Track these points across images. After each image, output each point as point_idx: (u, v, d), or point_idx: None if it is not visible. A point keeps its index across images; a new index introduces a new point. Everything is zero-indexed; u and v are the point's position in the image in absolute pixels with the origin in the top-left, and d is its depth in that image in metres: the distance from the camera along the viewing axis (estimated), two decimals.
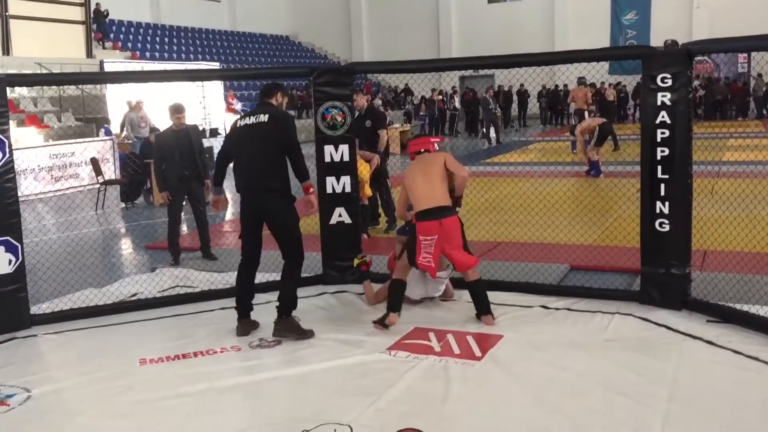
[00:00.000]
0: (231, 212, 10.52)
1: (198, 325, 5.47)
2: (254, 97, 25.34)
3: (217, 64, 24.53)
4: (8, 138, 5.47)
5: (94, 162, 12.48)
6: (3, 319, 5.40)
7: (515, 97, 29.18)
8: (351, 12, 38.65)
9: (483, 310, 5.27)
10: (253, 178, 5.11)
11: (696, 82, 25.36)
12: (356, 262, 6.12)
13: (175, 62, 23.64)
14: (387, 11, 37.20)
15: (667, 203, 5.32)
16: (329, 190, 6.33)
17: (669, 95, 5.25)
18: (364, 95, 9.30)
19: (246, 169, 5.15)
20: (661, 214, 5.35)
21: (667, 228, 5.34)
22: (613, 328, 5.06)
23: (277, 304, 5.13)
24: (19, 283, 5.51)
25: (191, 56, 27.30)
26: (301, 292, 5.94)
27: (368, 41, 38.12)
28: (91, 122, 18.38)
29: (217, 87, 19.68)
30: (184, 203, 7.79)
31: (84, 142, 15.16)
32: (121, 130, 15.24)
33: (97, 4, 24.83)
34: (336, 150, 6.32)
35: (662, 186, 5.32)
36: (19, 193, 5.86)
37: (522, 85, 27.07)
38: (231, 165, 5.36)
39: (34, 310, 5.73)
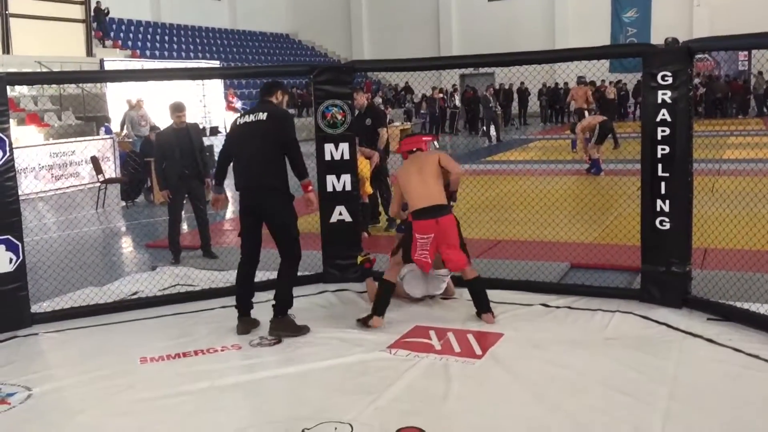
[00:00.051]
0: (231, 211, 10.53)
1: (198, 324, 5.47)
2: (254, 95, 25.35)
3: (218, 62, 24.54)
4: (8, 137, 5.47)
5: (95, 160, 12.47)
6: (4, 317, 5.40)
7: (515, 96, 29.17)
8: (351, 11, 38.65)
9: (483, 308, 5.27)
10: (251, 177, 5.11)
11: (696, 80, 25.32)
12: (360, 259, 6.15)
13: (176, 61, 23.65)
14: (387, 10, 37.18)
15: (667, 201, 5.32)
16: (329, 189, 6.33)
17: (669, 93, 5.24)
18: (364, 94, 9.30)
19: (245, 167, 5.15)
20: (662, 212, 5.35)
21: (667, 226, 5.34)
22: (614, 326, 5.06)
23: (273, 302, 5.14)
24: (20, 281, 5.51)
25: (191, 54, 27.30)
26: (301, 290, 5.97)
27: (368, 40, 38.12)
28: (92, 121, 18.39)
29: (217, 85, 19.70)
30: (184, 202, 7.79)
31: (84, 140, 15.15)
32: (122, 129, 15.25)
33: (98, 2, 24.84)
34: (336, 148, 6.32)
35: (663, 184, 5.32)
36: (20, 192, 5.86)
37: (522, 83, 27.04)
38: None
39: (35, 308, 5.74)
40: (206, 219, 7.78)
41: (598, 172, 12.62)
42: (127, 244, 9.36)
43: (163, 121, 9.62)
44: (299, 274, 5.64)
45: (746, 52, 27.76)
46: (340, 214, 6.34)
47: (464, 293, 5.58)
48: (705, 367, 4.31)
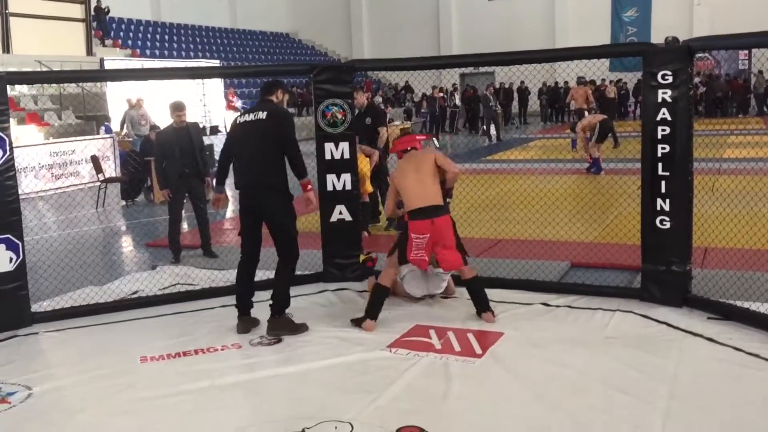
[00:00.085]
0: (231, 210, 10.53)
1: (199, 323, 5.47)
2: (254, 94, 25.35)
3: (218, 61, 24.53)
4: (9, 136, 5.46)
5: (95, 160, 12.47)
6: (4, 316, 5.40)
7: (516, 95, 29.17)
8: (351, 10, 38.65)
9: (482, 307, 5.27)
10: (251, 176, 5.11)
11: (697, 79, 25.30)
12: (362, 258, 6.16)
13: (176, 60, 23.65)
14: (387, 10, 37.18)
15: (667, 200, 5.32)
16: (330, 188, 6.33)
17: (670, 92, 5.24)
18: (364, 93, 9.30)
19: (245, 166, 5.15)
20: (662, 211, 5.35)
21: (667, 225, 5.34)
22: (614, 326, 5.06)
23: (270, 302, 5.13)
24: (20, 280, 5.51)
25: (191, 54, 27.30)
26: (301, 289, 5.98)
27: (369, 40, 38.12)
28: (92, 120, 18.39)
29: (217, 85, 19.70)
30: (184, 201, 7.79)
31: (84, 140, 15.15)
32: (122, 128, 15.24)
33: (98, 1, 24.83)
34: (336, 147, 6.31)
35: (663, 183, 5.32)
36: (20, 191, 5.86)
37: (522, 82, 27.04)
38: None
39: (35, 307, 5.73)
40: (206, 218, 7.78)
41: (598, 171, 12.62)
42: (127, 244, 9.36)
43: (163, 120, 9.62)
44: (299, 273, 5.65)
45: (746, 51, 27.74)
46: (341, 213, 6.34)
47: (464, 292, 5.57)
48: (705, 366, 4.30)
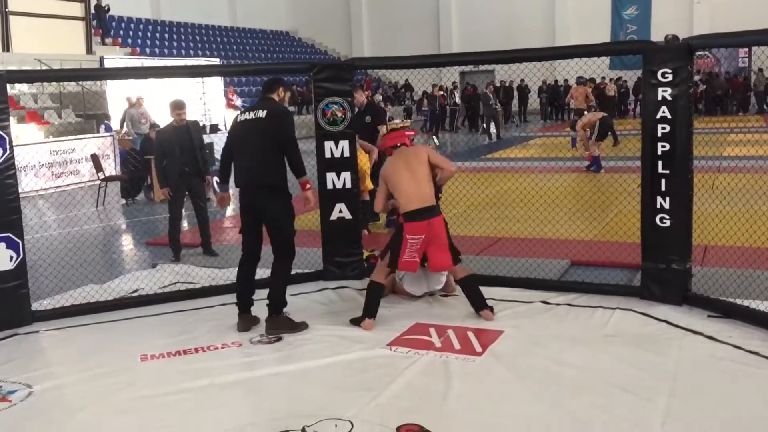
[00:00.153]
0: (231, 208, 10.51)
1: (199, 321, 5.47)
2: (254, 93, 25.36)
3: (217, 60, 24.48)
4: (9, 134, 5.47)
5: (95, 158, 12.48)
6: (4, 315, 5.40)
7: (516, 93, 29.16)
8: (351, 9, 38.64)
9: (479, 305, 5.26)
10: (250, 175, 5.11)
11: (697, 77, 25.28)
12: (366, 254, 6.16)
13: (176, 58, 23.61)
14: (387, 10, 37.16)
15: (667, 198, 5.32)
16: (329, 186, 6.33)
17: (670, 90, 5.24)
18: (363, 92, 9.30)
19: (244, 165, 5.15)
20: (662, 210, 5.35)
21: (667, 223, 5.34)
22: (614, 324, 5.06)
23: (267, 302, 5.13)
24: (21, 279, 5.51)
25: (191, 52, 27.28)
26: (301, 287, 5.99)
27: (368, 38, 38.11)
28: (92, 118, 18.37)
29: (217, 83, 19.64)
30: (184, 199, 7.79)
31: (84, 138, 15.14)
32: (122, 127, 15.23)
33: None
34: (336, 146, 6.31)
35: (663, 181, 5.32)
36: (20, 190, 5.86)
37: (522, 80, 27.03)
38: None
39: (36, 306, 5.74)
40: (206, 216, 7.78)
41: (598, 170, 12.62)
42: (127, 242, 9.36)
43: (163, 118, 9.61)
44: (299, 271, 5.65)
45: (746, 49, 27.73)
46: (340, 211, 6.34)
47: None
48: (705, 364, 4.30)
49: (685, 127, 5.26)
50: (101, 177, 11.97)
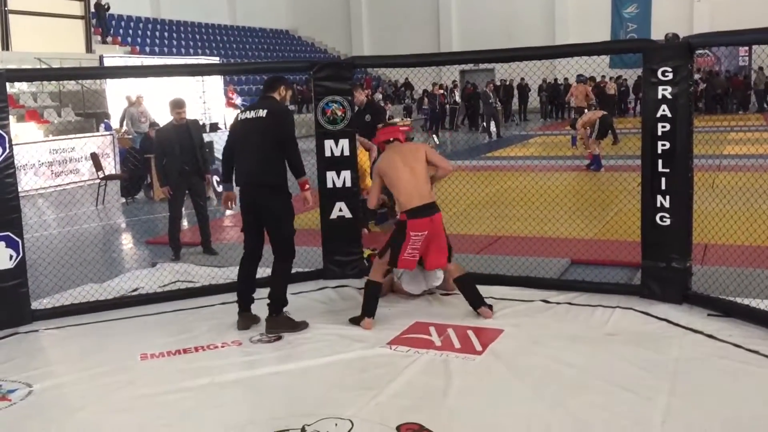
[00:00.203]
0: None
1: (199, 320, 5.47)
2: (254, 91, 25.36)
3: (217, 58, 24.47)
4: (8, 133, 5.46)
5: (94, 157, 12.47)
6: (4, 314, 5.40)
7: (516, 91, 29.14)
8: (351, 8, 38.62)
9: (477, 303, 5.25)
10: (250, 174, 5.11)
11: (697, 76, 25.28)
12: (367, 252, 6.15)
13: (175, 57, 23.59)
14: (387, 8, 37.14)
15: (667, 197, 5.31)
16: (329, 185, 6.33)
17: (670, 89, 5.23)
18: (363, 91, 9.29)
19: (244, 164, 5.15)
20: (662, 208, 5.34)
21: (667, 222, 5.34)
22: (614, 322, 5.05)
23: (268, 301, 5.13)
24: (20, 278, 5.50)
25: (191, 51, 27.27)
26: (301, 286, 5.98)
27: (368, 37, 38.08)
28: (91, 117, 18.36)
29: (217, 82, 19.64)
30: (184, 198, 7.79)
31: (84, 137, 15.14)
32: (121, 125, 15.23)
33: None
34: (336, 144, 6.31)
35: (663, 180, 5.31)
36: (20, 189, 5.86)
37: (522, 79, 27.01)
38: None
39: (35, 305, 5.74)
40: (206, 215, 7.78)
41: (598, 168, 12.61)
42: (127, 241, 9.36)
43: (163, 117, 9.61)
44: (299, 270, 5.64)
45: (747, 48, 27.71)
46: (340, 210, 6.34)
47: None
48: (705, 363, 4.30)
49: (685, 125, 5.25)
50: (101, 176, 11.96)
